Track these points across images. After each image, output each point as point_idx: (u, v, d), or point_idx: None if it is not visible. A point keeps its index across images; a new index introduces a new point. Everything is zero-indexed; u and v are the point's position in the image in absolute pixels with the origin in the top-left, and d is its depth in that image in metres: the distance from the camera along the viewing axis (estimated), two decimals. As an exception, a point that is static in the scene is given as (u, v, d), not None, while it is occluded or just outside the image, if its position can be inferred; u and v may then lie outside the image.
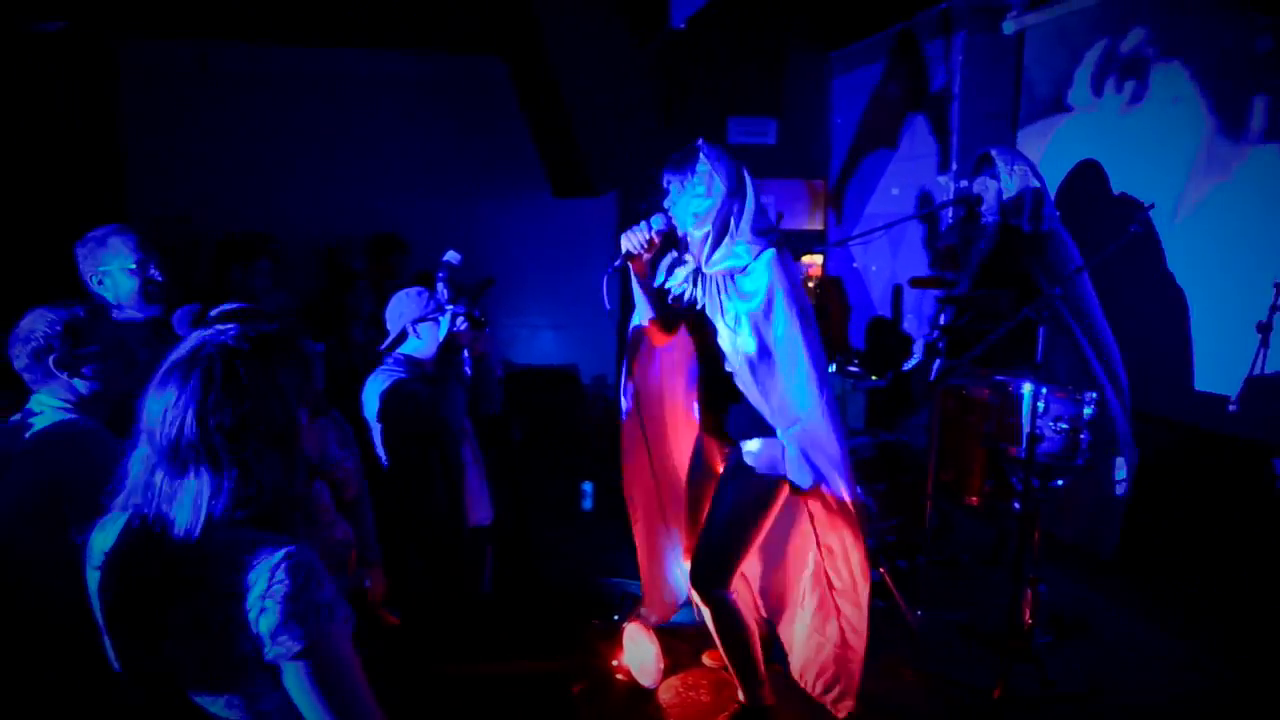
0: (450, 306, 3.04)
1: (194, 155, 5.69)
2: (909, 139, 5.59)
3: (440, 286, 3.11)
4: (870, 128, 6.07)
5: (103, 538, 1.32)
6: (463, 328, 3.03)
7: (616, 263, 2.64)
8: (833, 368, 5.16)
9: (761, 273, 2.49)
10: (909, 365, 4.40)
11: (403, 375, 2.97)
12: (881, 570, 3.74)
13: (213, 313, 2.22)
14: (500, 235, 6.23)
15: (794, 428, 2.55)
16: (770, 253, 2.51)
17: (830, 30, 6.30)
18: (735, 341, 2.55)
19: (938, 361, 3.91)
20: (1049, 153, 4.59)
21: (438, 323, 3.01)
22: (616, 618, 3.46)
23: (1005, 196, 3.60)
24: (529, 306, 6.41)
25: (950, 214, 4.90)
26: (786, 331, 2.49)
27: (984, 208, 3.75)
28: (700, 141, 2.56)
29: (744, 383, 2.59)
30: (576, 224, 6.35)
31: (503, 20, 5.57)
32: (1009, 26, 4.85)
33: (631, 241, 2.58)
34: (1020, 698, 3.02)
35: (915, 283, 4.79)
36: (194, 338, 1.31)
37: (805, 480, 2.59)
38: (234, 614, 1.20)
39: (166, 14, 5.22)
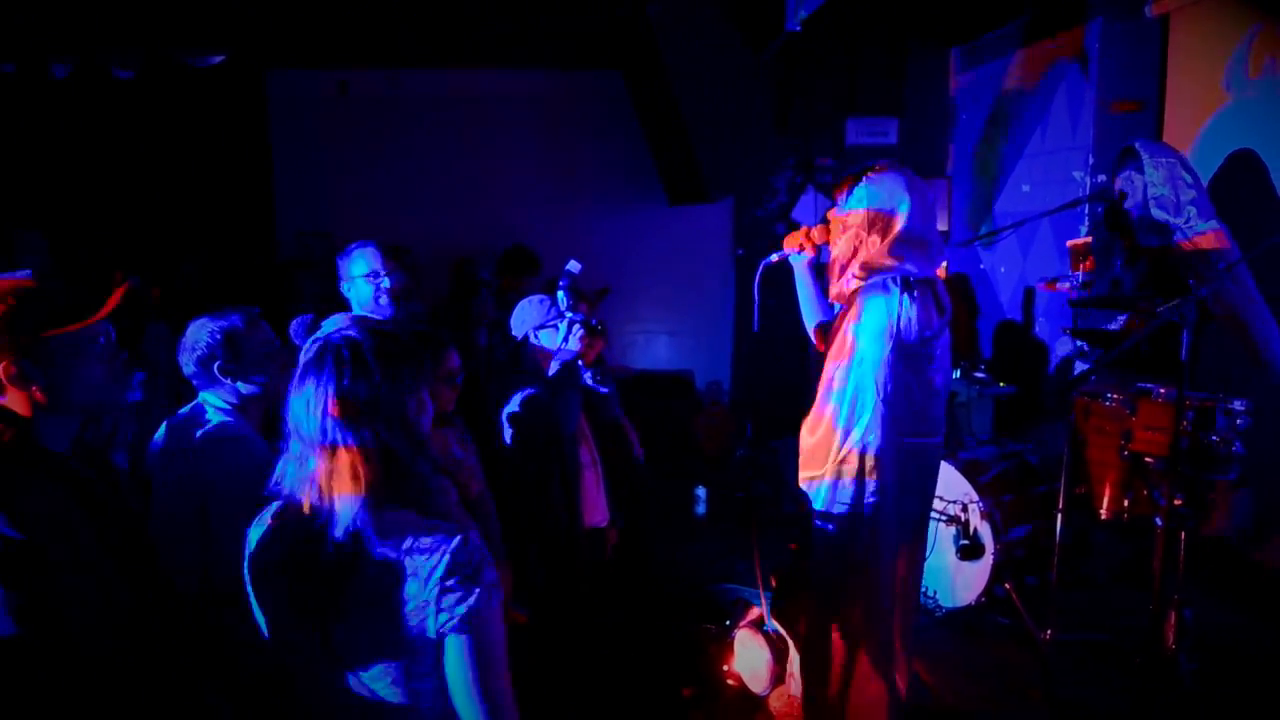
0: (570, 314, 3.12)
1: (336, 174, 6.11)
2: (1040, 134, 5.31)
3: (561, 294, 3.20)
4: (997, 123, 5.80)
5: (259, 530, 1.44)
6: (579, 335, 3.11)
7: (774, 256, 2.69)
8: (958, 373, 4.96)
9: (865, 305, 2.41)
10: (1051, 369, 4.18)
11: (524, 379, 3.09)
12: (1007, 586, 3.58)
13: (325, 321, 2.40)
14: (618, 244, 6.35)
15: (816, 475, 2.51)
16: (870, 294, 2.40)
17: (952, 24, 6.07)
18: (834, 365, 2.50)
19: (1076, 366, 3.70)
20: (1201, 144, 4.25)
21: (557, 329, 3.10)
22: (728, 623, 3.45)
23: (1151, 192, 3.36)
24: (645, 312, 6.50)
25: (1087, 212, 4.63)
26: (838, 375, 2.43)
27: (1129, 204, 3.51)
28: (882, 164, 2.48)
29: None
30: (692, 231, 6.40)
31: (620, 34, 5.69)
32: (1151, 9, 4.53)
33: (790, 242, 2.68)
34: (1161, 728, 2.81)
35: (1049, 284, 4.54)
36: (317, 340, 1.42)
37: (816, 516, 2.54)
38: (412, 592, 1.29)
39: (310, 45, 5.63)
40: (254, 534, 1.45)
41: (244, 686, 1.96)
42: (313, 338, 1.45)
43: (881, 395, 2.37)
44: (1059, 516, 3.33)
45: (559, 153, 6.39)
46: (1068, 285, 4.07)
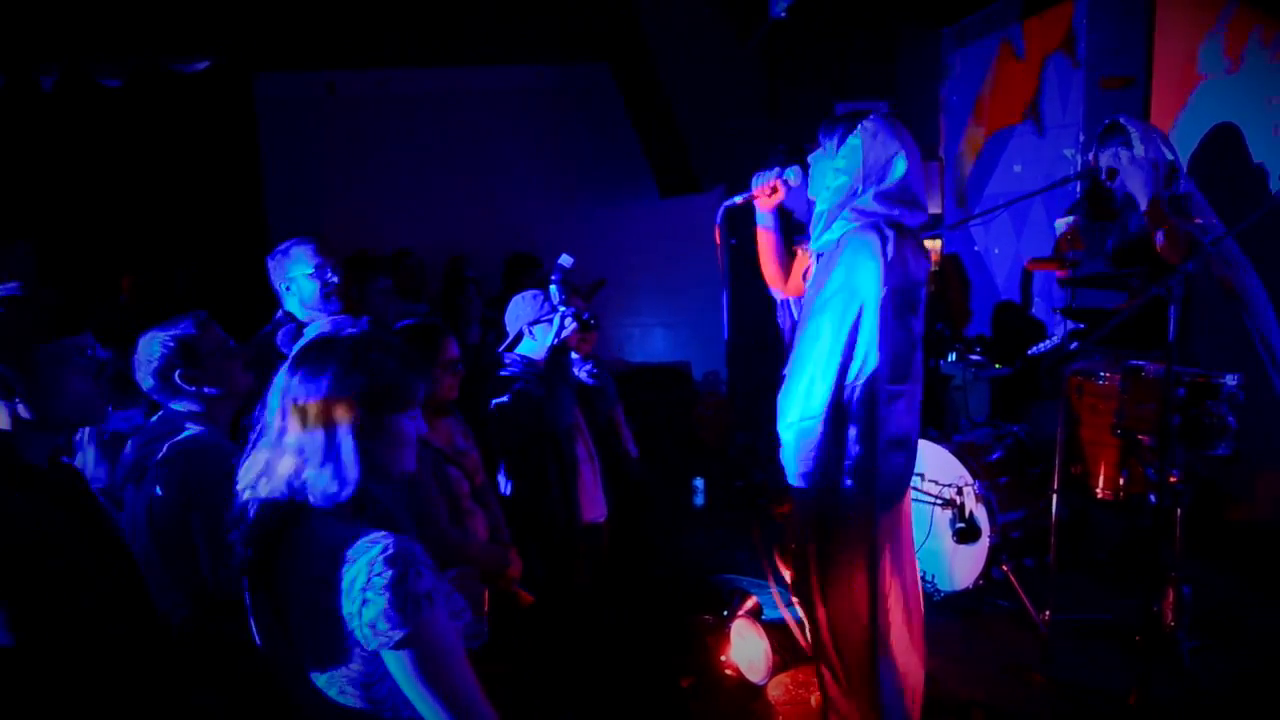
0: (563, 308, 3.11)
1: (327, 176, 6.10)
2: (1031, 112, 5.28)
3: (554, 289, 3.19)
4: (988, 103, 5.77)
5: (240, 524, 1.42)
6: (571, 329, 3.10)
7: (738, 198, 2.67)
8: (953, 356, 4.94)
9: (848, 250, 2.34)
10: (1037, 350, 4.17)
11: (516, 374, 3.08)
12: (1005, 569, 3.57)
13: (308, 328, 2.39)
14: (611, 237, 6.33)
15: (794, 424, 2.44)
16: (862, 237, 2.32)
17: (942, 4, 6.03)
18: (803, 322, 2.46)
19: (1067, 346, 3.68)
20: (1183, 121, 4.22)
21: (551, 323, 3.10)
22: (726, 613, 3.45)
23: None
24: (640, 305, 6.49)
25: (1078, 190, 4.61)
26: (825, 320, 2.35)
27: (1115, 181, 3.49)
28: (879, 108, 2.45)
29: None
30: (685, 222, 6.37)
31: (606, 26, 5.67)
32: (1140, -17, 4.49)
33: (759, 180, 2.63)
34: (1159, 705, 2.80)
35: (1036, 263, 4.52)
36: (303, 341, 1.42)
37: (791, 474, 2.49)
38: (335, 604, 1.26)
39: (297, 48, 5.62)
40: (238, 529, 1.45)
41: (242, 694, 1.97)
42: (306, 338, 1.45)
43: (876, 340, 2.31)
44: (1054, 497, 3.33)
45: (550, 147, 6.37)
46: (1056, 265, 4.05)
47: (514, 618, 2.57)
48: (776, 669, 3.13)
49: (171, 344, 2.07)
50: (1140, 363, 3.04)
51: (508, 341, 3.17)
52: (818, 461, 2.41)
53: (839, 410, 2.36)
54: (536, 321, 3.12)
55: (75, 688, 1.48)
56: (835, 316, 2.35)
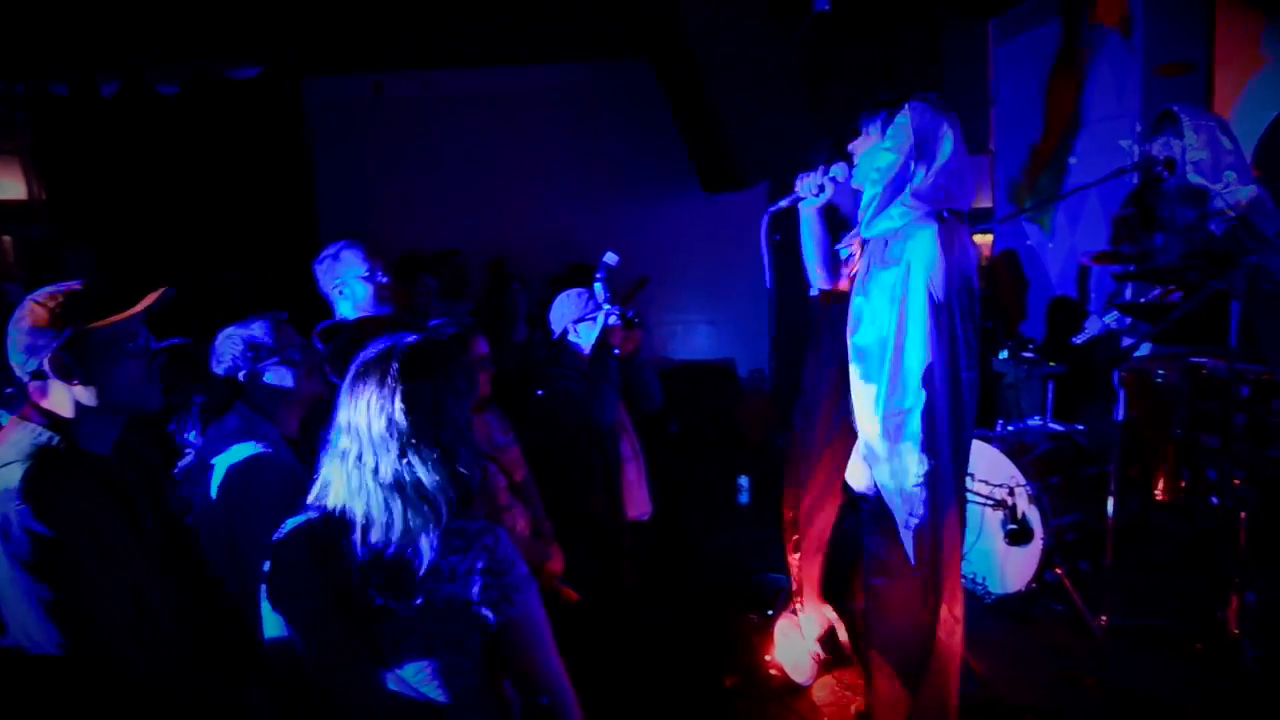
0: (607, 306, 3.12)
1: (374, 177, 6.21)
2: (1084, 103, 5.13)
3: (599, 287, 3.20)
4: (1039, 95, 5.62)
5: (295, 530, 1.46)
6: (614, 326, 3.10)
7: (783, 202, 2.61)
8: (1004, 353, 4.83)
9: (914, 240, 2.28)
10: (1079, 339, 4.04)
11: (559, 372, 3.09)
12: (1059, 571, 3.48)
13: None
14: (654, 234, 6.32)
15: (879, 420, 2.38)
16: (924, 226, 2.26)
17: (990, -6, 5.90)
18: (862, 316, 2.40)
19: (1123, 343, 3.57)
20: (1242, 107, 4.06)
21: (595, 322, 3.11)
22: (770, 613, 3.43)
23: (1189, 156, 3.22)
24: (684, 303, 6.47)
25: (1135, 182, 4.47)
26: (912, 312, 2.29)
27: (1175, 170, 3.37)
28: (918, 94, 2.35)
29: (853, 375, 2.44)
30: (728, 218, 6.34)
31: (648, 22, 5.66)
32: (1198, -35, 4.33)
33: (804, 184, 2.55)
34: (1221, 716, 2.70)
35: (1096, 259, 4.38)
36: (378, 343, 1.44)
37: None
38: (455, 591, 1.34)
39: (344, 51, 5.73)
40: (290, 534, 1.47)
41: (286, 691, 2.00)
42: (382, 339, 1.47)
43: (947, 334, 2.25)
44: (1111, 499, 3.23)
45: (592, 145, 6.39)
46: (1113, 258, 3.94)
47: (556, 615, 2.58)
48: (821, 670, 3.10)
49: (242, 344, 2.11)
50: (1202, 360, 2.94)
51: (553, 339, 3.19)
52: (897, 462, 2.36)
53: (929, 406, 2.30)
54: (581, 319, 3.13)
55: (115, 680, 1.51)
56: (913, 312, 2.28)
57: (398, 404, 1.36)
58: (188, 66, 5.48)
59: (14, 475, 1.45)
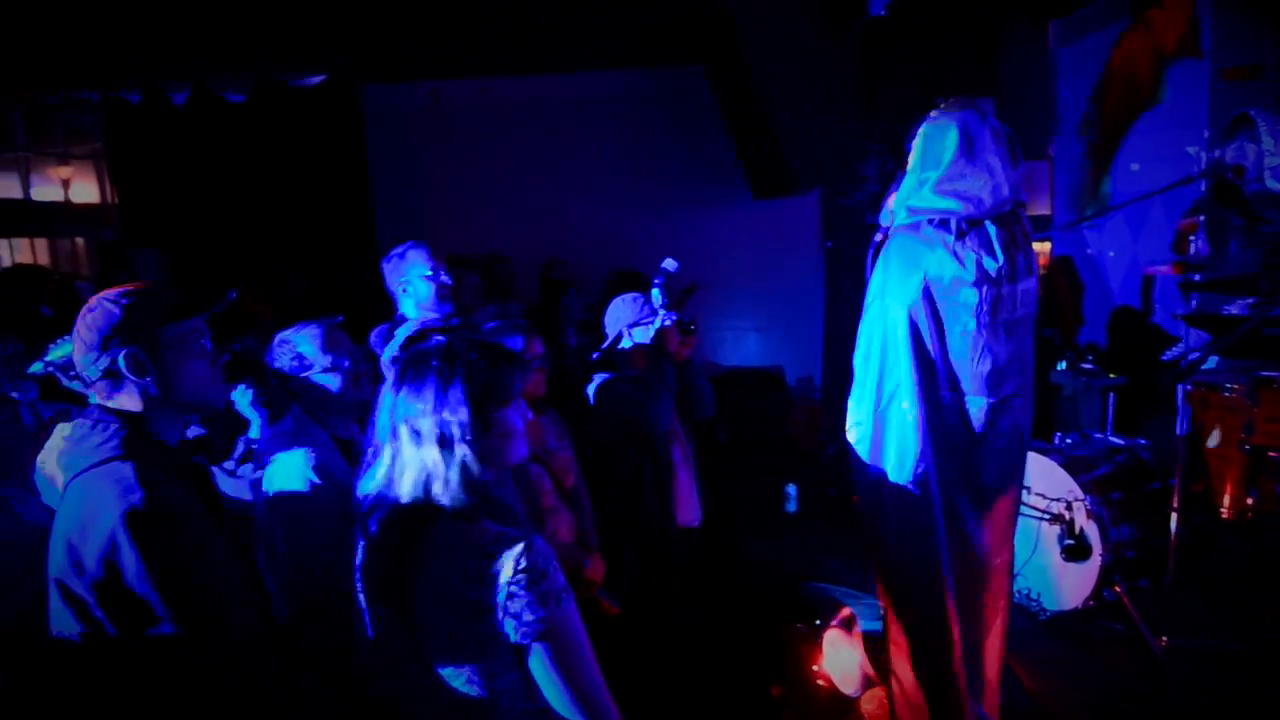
0: (663, 312, 3.12)
1: (430, 183, 6.32)
2: (1148, 107, 4.99)
3: (656, 292, 3.21)
4: (1102, 99, 5.48)
5: (362, 526, 1.50)
6: (670, 332, 3.11)
7: (878, 236, 2.55)
8: (1063, 364, 4.71)
9: (886, 250, 2.24)
10: (1170, 355, 3.93)
11: (610, 375, 3.10)
12: (1118, 589, 3.39)
13: (399, 329, 2.46)
14: (704, 240, 6.33)
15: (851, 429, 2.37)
16: (902, 238, 2.21)
17: (1051, -4, 5.77)
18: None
19: (1188, 356, 3.47)
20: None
21: (650, 327, 3.12)
22: (819, 622, 3.40)
23: (1267, 161, 3.12)
24: (733, 309, 6.46)
25: (1203, 189, 4.33)
26: (863, 325, 2.28)
27: (1244, 177, 3.26)
28: (949, 103, 2.28)
29: None
30: (779, 224, 6.32)
31: (701, 28, 5.67)
32: (1271, -35, 4.18)
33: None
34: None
35: (1178, 267, 4.25)
36: (420, 345, 1.48)
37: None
38: (483, 597, 1.34)
39: (404, 59, 5.85)
40: (354, 527, 1.52)
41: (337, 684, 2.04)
42: (410, 347, 1.51)
43: (908, 344, 2.17)
44: (1174, 515, 3.14)
45: (644, 150, 6.41)
46: (1179, 268, 3.82)
47: (597, 622, 2.59)
48: (870, 682, 3.07)
49: (293, 350, 2.16)
50: (1271, 374, 2.84)
51: (608, 343, 3.20)
52: (861, 474, 2.34)
53: (879, 419, 2.26)
54: (636, 324, 3.14)
55: (198, 658, 1.55)
56: (869, 322, 2.27)
57: (409, 407, 1.40)
58: (254, 75, 5.66)
59: (124, 468, 1.51)
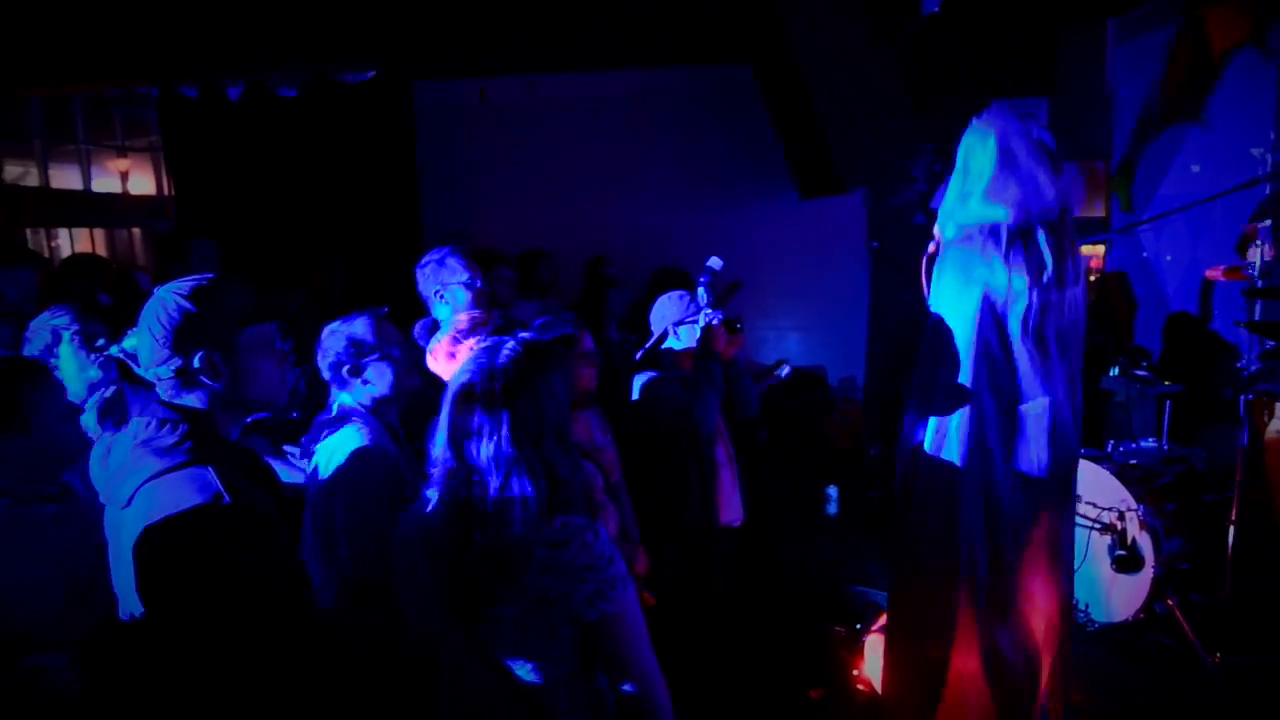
0: (708, 310, 3.12)
1: (477, 178, 6.37)
2: (1212, 108, 4.85)
3: (702, 291, 3.20)
4: (1162, 99, 5.34)
5: (410, 523, 1.53)
6: (717, 331, 3.10)
7: (930, 246, 2.56)
8: (1115, 370, 4.61)
9: (940, 263, 2.28)
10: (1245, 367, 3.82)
11: (656, 374, 3.10)
12: (1170, 602, 3.31)
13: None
14: (748, 238, 6.29)
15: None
16: (951, 250, 2.24)
17: (1110, -7, 5.63)
18: None
19: (1253, 364, 3.36)
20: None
21: (696, 325, 3.11)
22: (859, 626, 3.37)
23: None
24: (776, 308, 6.41)
25: (1266, 191, 4.20)
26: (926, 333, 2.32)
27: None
28: (1034, 107, 2.37)
29: None
30: (824, 224, 6.26)
31: (749, 26, 5.64)
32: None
33: None
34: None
35: (1231, 273, 4.12)
36: (479, 353, 1.50)
37: None
38: (554, 584, 1.39)
39: (454, 56, 5.91)
40: (406, 524, 1.55)
41: (388, 678, 2.07)
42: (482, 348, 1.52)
43: (970, 355, 2.20)
44: (1232, 528, 3.05)
45: (689, 149, 6.40)
46: (1240, 274, 3.70)
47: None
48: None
49: (346, 340, 2.18)
50: (1341, 385, 2.74)
51: (652, 340, 3.20)
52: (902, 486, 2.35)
53: (942, 426, 2.27)
54: (681, 322, 3.13)
55: (241, 650, 1.56)
56: (931, 334, 2.27)
57: (501, 416, 1.42)
58: (306, 71, 5.75)
59: (205, 472, 1.47)
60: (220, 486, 1.46)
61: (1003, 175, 2.15)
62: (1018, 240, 2.14)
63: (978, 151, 2.20)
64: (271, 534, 1.55)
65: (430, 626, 1.54)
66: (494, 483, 1.42)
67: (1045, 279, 2.14)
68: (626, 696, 1.45)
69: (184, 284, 1.58)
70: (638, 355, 3.26)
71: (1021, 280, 2.14)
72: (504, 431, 1.41)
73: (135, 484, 1.50)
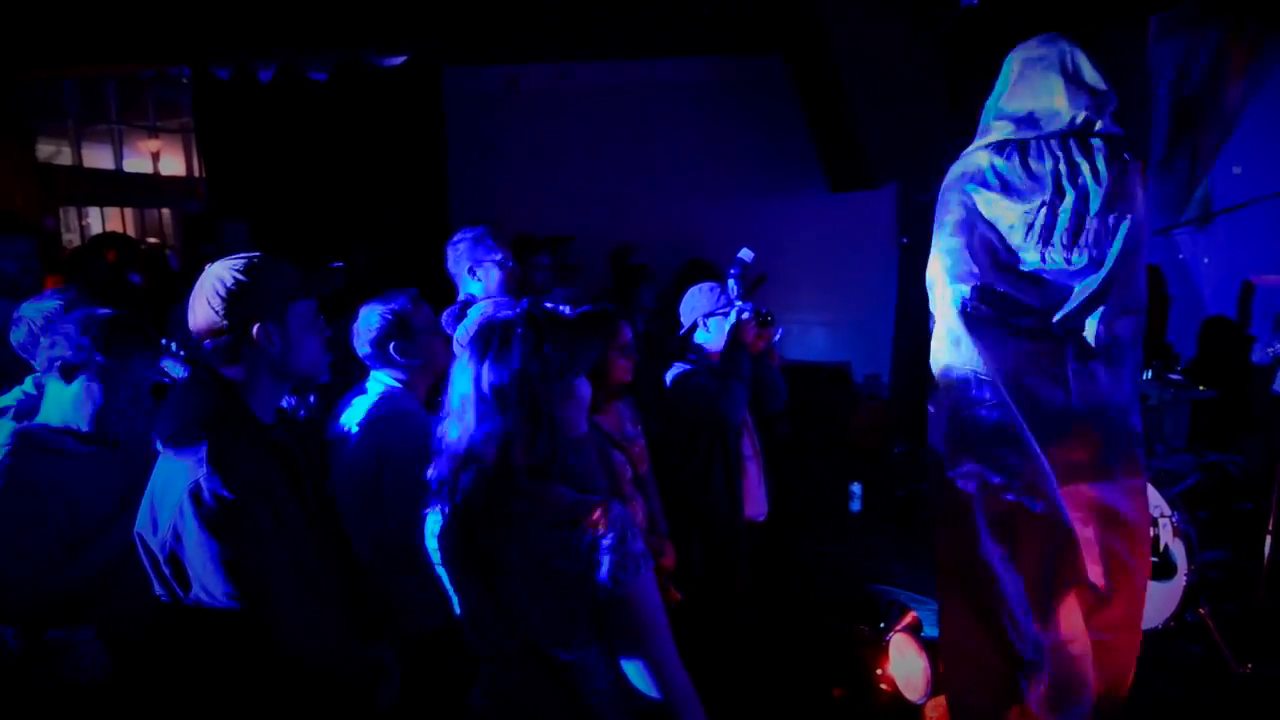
0: (739, 303, 3.10)
1: (505, 165, 6.36)
2: (1256, 107, 4.75)
3: (732, 283, 3.18)
4: (1203, 98, 5.23)
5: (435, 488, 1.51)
6: (747, 323, 3.08)
7: None
8: (1149, 373, 4.53)
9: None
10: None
11: (688, 367, 3.09)
12: (1202, 611, 3.25)
13: (471, 309, 2.49)
14: (775, 231, 6.23)
15: None
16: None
17: (1153, -12, 5.51)
18: None
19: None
20: None
21: (726, 317, 3.09)
22: (883, 626, 3.34)
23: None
24: (802, 302, 6.36)
25: (1313, 194, 4.09)
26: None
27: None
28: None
29: None
30: (852, 218, 6.20)
31: (781, 15, 5.57)
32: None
33: None
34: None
35: (1264, 278, 4.05)
36: (482, 317, 1.49)
37: None
38: (568, 565, 1.35)
39: (483, 42, 5.89)
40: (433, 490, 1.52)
41: (414, 647, 2.08)
42: (481, 316, 1.52)
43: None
44: (1269, 537, 2.99)
45: (719, 139, 6.35)
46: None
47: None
48: (935, 689, 3.00)
49: (389, 317, 2.23)
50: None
51: (682, 331, 3.19)
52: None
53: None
54: (711, 314, 3.11)
55: (277, 640, 1.59)
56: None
57: (493, 372, 1.40)
58: (337, 54, 5.75)
59: (203, 443, 1.54)
60: (207, 458, 1.51)
61: (1013, 90, 2.36)
62: (1014, 150, 2.30)
63: (1004, 69, 2.39)
64: (260, 521, 1.57)
65: (463, 596, 1.53)
66: (467, 422, 1.41)
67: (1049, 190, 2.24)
68: (641, 683, 1.39)
69: (237, 260, 1.65)
70: (669, 346, 3.25)
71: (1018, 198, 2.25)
72: (481, 374, 1.40)
73: (162, 444, 1.59)
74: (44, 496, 1.88)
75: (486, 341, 1.43)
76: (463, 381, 1.44)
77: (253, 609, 1.54)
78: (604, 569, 1.33)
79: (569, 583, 1.35)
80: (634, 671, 1.38)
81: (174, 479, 1.54)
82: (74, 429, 1.97)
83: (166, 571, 1.56)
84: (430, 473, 1.49)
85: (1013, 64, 2.38)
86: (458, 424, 1.44)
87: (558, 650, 1.40)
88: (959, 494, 2.31)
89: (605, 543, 1.34)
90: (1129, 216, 2.25)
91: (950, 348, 2.33)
